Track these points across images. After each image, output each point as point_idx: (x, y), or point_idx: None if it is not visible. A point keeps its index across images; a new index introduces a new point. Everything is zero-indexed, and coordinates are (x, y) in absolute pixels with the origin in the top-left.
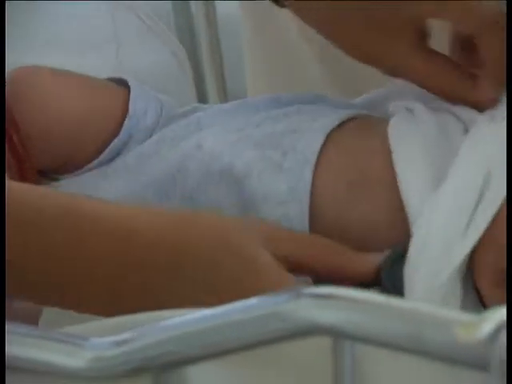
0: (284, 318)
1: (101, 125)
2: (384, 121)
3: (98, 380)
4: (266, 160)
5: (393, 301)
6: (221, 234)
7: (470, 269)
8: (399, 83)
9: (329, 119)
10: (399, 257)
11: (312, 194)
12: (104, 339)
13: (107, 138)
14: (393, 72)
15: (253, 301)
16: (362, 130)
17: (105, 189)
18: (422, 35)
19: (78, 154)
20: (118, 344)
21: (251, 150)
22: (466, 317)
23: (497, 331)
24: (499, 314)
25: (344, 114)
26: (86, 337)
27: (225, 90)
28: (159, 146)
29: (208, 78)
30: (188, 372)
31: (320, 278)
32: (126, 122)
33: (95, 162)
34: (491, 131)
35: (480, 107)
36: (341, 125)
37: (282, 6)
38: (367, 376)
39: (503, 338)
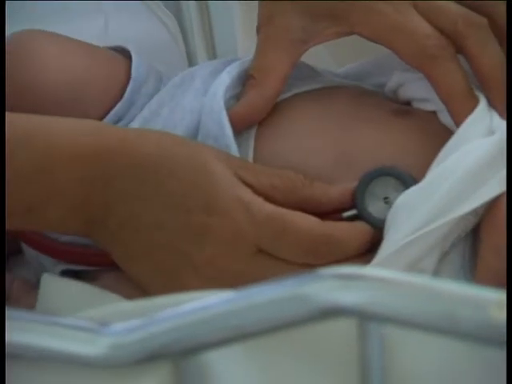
0: (306, 300)
1: (103, 89)
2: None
3: (115, 368)
4: None
5: (421, 279)
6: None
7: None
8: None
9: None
10: (373, 178)
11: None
12: (121, 325)
13: (110, 102)
14: None
15: (273, 283)
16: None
17: None
18: None
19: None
20: (136, 329)
21: None
22: (500, 296)
23: None
24: None
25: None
26: (103, 322)
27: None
28: (160, 109)
29: (198, 48)
30: (208, 358)
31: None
32: (129, 85)
33: None
34: None
35: None
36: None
37: None
38: (396, 360)
39: None
